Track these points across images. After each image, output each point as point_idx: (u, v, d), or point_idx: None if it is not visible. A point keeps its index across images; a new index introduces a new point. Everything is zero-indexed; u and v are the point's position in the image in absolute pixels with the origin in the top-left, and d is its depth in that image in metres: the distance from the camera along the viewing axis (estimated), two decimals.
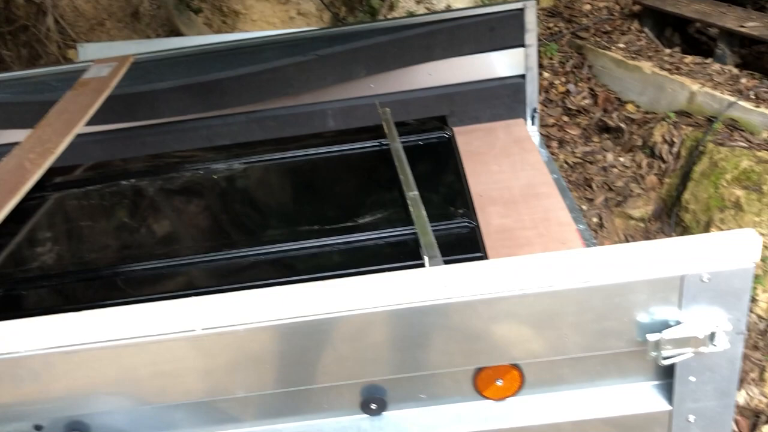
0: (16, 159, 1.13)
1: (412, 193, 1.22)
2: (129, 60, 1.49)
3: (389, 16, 3.91)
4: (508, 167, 1.50)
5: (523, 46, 1.74)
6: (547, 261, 0.78)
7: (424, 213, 1.16)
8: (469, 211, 1.22)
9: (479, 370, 0.86)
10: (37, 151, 1.13)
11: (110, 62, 1.50)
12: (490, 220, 1.27)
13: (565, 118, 3.73)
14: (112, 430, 0.85)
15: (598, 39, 3.82)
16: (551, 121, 3.65)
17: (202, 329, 0.76)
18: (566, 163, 3.42)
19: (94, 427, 0.85)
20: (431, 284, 0.77)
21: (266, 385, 0.82)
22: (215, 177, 1.52)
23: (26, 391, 0.79)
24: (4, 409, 0.82)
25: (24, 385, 0.79)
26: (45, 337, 0.76)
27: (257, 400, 0.84)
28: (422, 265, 1.03)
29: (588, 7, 4.11)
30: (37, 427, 0.86)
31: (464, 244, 1.13)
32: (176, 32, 3.91)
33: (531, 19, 1.72)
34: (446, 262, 1.02)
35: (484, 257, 1.11)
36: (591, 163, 3.42)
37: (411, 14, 3.81)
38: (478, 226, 1.19)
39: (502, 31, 1.72)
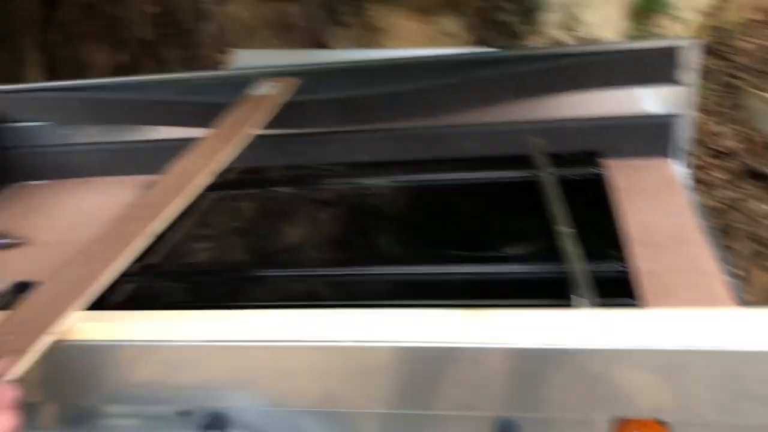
0: (185, 163, 1.22)
1: (565, 229, 1.19)
2: (293, 82, 1.56)
3: (532, 42, 3.86)
4: (654, 208, 1.44)
5: (679, 84, 1.67)
6: (724, 318, 0.73)
7: (577, 251, 1.13)
8: (621, 252, 1.18)
9: (620, 421, 0.82)
10: (204, 157, 1.22)
11: (275, 82, 1.58)
12: (635, 263, 1.22)
13: (710, 160, 3.54)
14: (252, 427, 0.89)
15: (756, 80, 3.60)
16: (694, 161, 3.47)
17: (356, 341, 0.78)
18: (708, 207, 3.24)
19: (235, 422, 0.89)
20: (583, 327, 0.75)
21: (399, 405, 0.82)
22: (361, 193, 1.55)
23: (178, 378, 0.85)
24: (154, 391, 0.88)
25: (177, 372, 0.85)
26: (203, 329, 0.82)
27: (391, 419, 0.85)
28: (570, 305, 1.01)
29: (751, 46, 3.88)
30: (182, 414, 0.91)
31: (615, 288, 1.09)
32: (323, 45, 4.06)
33: (691, 57, 1.64)
34: (596, 305, 0.99)
35: (637, 304, 1.06)
36: (736, 210, 3.22)
37: (557, 42, 3.75)
38: (629, 270, 1.15)
39: (658, 67, 1.65)
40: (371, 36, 4.17)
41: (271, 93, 1.56)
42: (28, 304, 0.91)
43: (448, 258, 1.26)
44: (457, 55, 1.98)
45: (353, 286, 1.26)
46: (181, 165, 1.25)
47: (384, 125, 1.74)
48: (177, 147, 1.71)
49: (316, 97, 1.66)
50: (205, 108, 1.60)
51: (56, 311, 0.87)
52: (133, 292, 1.29)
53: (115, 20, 4.04)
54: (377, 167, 1.67)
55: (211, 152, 1.25)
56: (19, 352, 0.79)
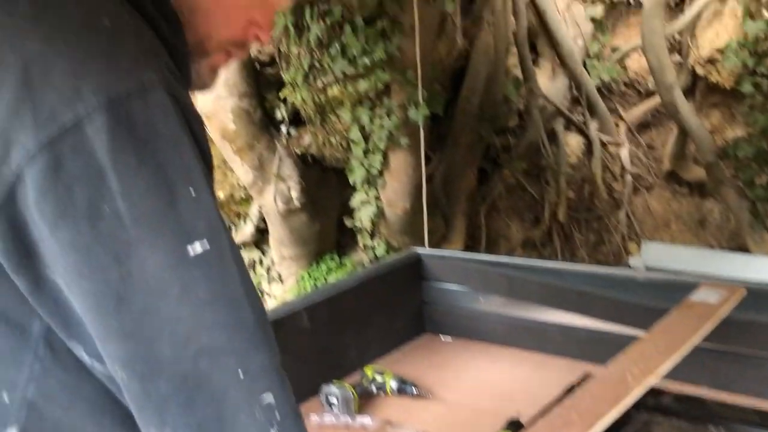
0: (619, 368, 1.16)
1: None
2: (740, 292, 1.46)
3: None
4: None
5: None
6: None
7: None
8: None
9: None
10: (640, 367, 1.15)
11: (718, 288, 1.49)
12: None
13: None
14: None
15: None
16: None
17: None
18: None
19: None
20: None
21: None
22: None
23: None
24: None
25: None
26: None
27: None
28: None
29: None
30: None
31: None
32: (743, 248, 3.79)
33: None
34: None
35: None
36: None
37: None
38: None
39: None
40: None
41: (714, 301, 1.44)
42: None
43: None
44: None
45: None
46: (610, 370, 1.17)
47: None
48: (584, 336, 1.71)
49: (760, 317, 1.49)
50: (619, 304, 1.60)
51: None
52: None
53: (535, 200, 4.41)
54: None
55: (644, 362, 1.18)
56: None
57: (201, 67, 0.72)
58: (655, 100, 4.27)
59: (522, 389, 1.61)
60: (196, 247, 0.54)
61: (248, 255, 4.59)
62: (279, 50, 3.77)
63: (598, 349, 1.57)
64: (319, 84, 3.65)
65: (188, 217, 0.54)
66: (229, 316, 0.55)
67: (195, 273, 0.54)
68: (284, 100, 3.87)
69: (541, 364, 1.73)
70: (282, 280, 4.43)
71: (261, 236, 4.50)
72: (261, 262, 4.59)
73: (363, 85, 3.54)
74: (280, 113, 3.93)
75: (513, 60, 4.29)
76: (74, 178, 0.52)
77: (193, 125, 0.59)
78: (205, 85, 0.75)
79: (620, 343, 1.57)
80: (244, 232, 4.50)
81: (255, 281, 4.55)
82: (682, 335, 1.31)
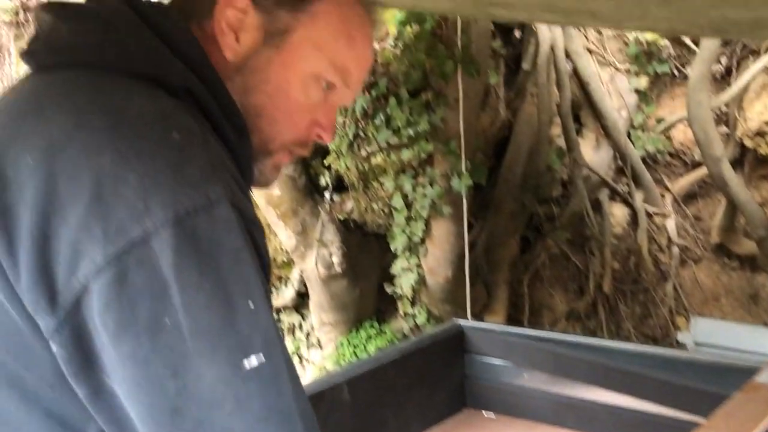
0: None
1: None
2: None
3: None
4: None
5: None
6: None
7: None
8: None
9: None
10: None
11: None
12: None
13: None
14: None
15: None
16: None
17: None
18: None
19: None
20: None
21: None
22: None
23: None
24: None
25: None
26: None
27: None
28: None
29: None
30: None
31: None
32: None
33: None
34: None
35: None
36: None
37: None
38: None
39: None
40: None
41: None
42: None
43: None
44: None
45: None
46: None
47: None
48: (633, 418, 1.65)
49: None
50: (671, 386, 1.56)
51: None
52: None
53: (579, 270, 4.34)
54: None
55: None
56: None
57: (264, 167, 0.75)
58: (702, 171, 4.20)
59: None
60: (252, 361, 0.55)
61: (288, 319, 4.60)
62: None
63: None
64: (363, 153, 3.71)
65: (246, 330, 0.55)
66: (281, 430, 0.56)
67: (250, 386, 0.55)
68: (328, 168, 3.93)
69: None
70: (321, 346, 4.41)
71: (302, 300, 4.51)
72: (301, 326, 4.59)
73: (406, 154, 3.58)
74: (324, 180, 3.99)
75: (556, 130, 4.30)
76: (138, 291, 0.54)
77: (255, 235, 0.61)
78: (267, 182, 0.77)
79: (672, 428, 1.55)
80: (284, 296, 4.52)
81: (294, 346, 4.54)
82: (751, 421, 1.23)
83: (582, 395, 1.76)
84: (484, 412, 1.93)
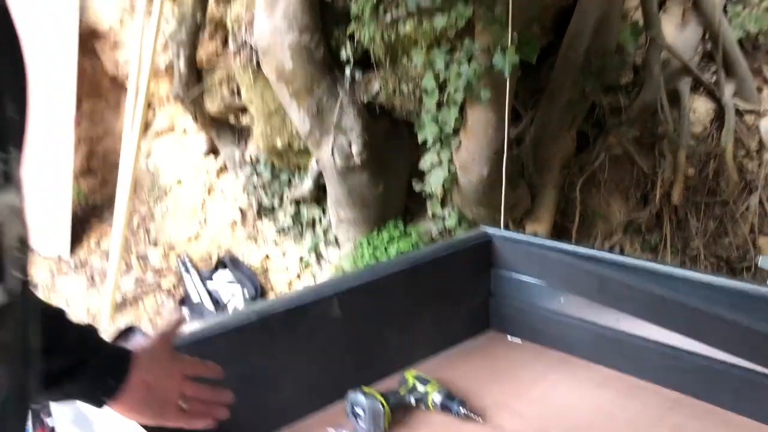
0: None
1: None
2: None
3: None
4: None
5: None
6: None
7: None
8: None
9: None
10: None
11: None
12: None
13: None
14: None
15: None
16: None
17: None
18: None
19: None
20: None
21: None
22: None
23: None
24: None
25: None
26: None
27: None
28: None
29: None
30: None
31: None
32: None
33: None
34: None
35: None
36: None
37: None
38: None
39: None
40: None
41: None
42: None
43: None
44: None
45: None
46: None
47: None
48: (691, 365, 1.40)
49: None
50: (744, 330, 1.28)
51: None
52: None
53: (645, 175, 3.68)
54: None
55: None
56: None
57: None
58: None
59: (604, 421, 1.38)
60: None
61: (308, 212, 4.13)
62: None
63: (707, 384, 1.38)
64: (388, 18, 3.05)
65: None
66: None
67: None
68: (351, 37, 3.29)
69: (631, 391, 1.46)
70: (339, 245, 3.94)
71: (322, 193, 4.01)
72: (320, 221, 4.12)
73: (440, 21, 2.91)
74: (346, 53, 3.35)
75: (633, 1, 3.55)
76: None
77: None
78: None
79: (737, 381, 1.32)
80: (302, 187, 4.02)
81: (312, 242, 4.10)
82: None
83: (629, 330, 1.51)
84: (509, 336, 1.74)
